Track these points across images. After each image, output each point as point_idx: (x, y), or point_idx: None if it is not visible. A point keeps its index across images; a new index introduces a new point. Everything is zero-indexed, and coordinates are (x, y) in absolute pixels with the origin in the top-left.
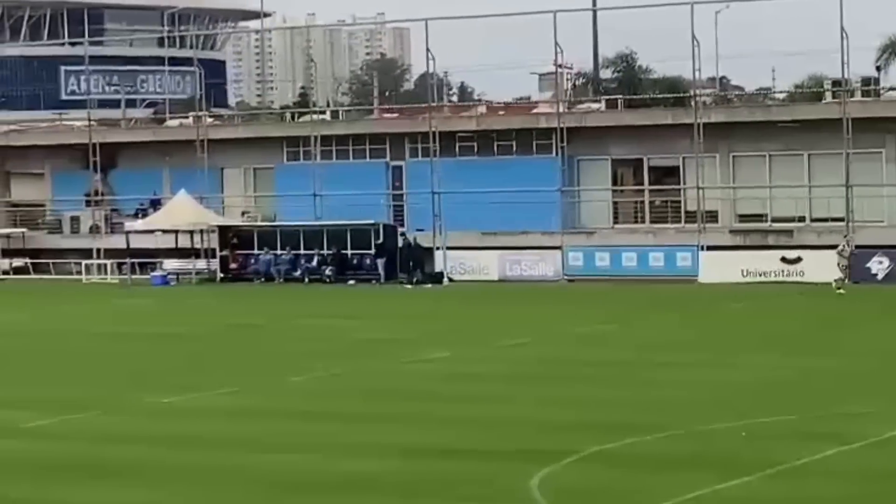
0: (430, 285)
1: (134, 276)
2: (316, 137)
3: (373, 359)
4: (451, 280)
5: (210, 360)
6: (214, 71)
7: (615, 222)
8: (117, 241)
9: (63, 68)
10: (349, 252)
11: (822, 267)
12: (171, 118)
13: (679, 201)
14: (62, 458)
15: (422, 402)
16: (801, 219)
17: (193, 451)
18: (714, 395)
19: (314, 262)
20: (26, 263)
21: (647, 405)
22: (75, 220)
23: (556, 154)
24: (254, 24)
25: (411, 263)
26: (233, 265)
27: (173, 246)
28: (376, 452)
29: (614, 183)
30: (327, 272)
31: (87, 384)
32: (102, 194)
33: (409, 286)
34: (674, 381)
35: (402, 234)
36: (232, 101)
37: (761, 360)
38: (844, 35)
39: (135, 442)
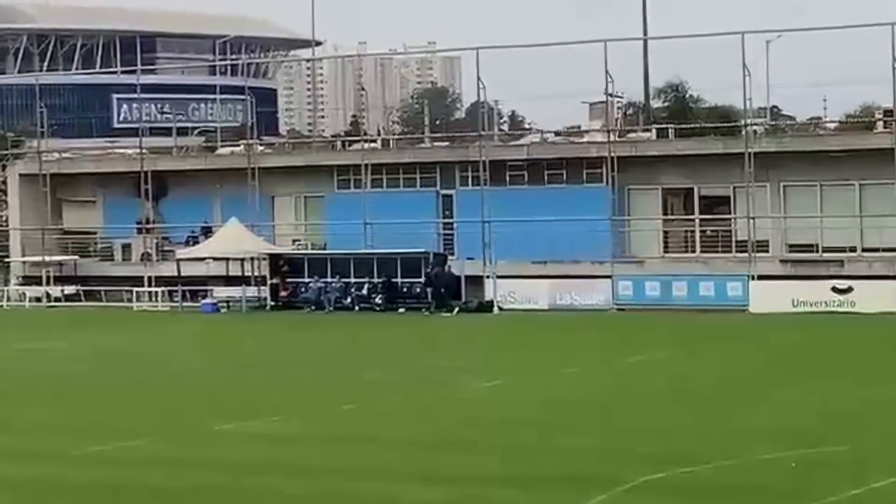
0: (452, 314)
1: (185, 304)
2: (366, 166)
3: (426, 385)
4: (500, 309)
5: (264, 387)
6: (266, 99)
7: (665, 251)
8: (168, 269)
9: (115, 96)
10: (399, 280)
11: (873, 297)
12: (222, 146)
13: (729, 231)
14: (122, 484)
15: (472, 429)
16: (853, 248)
17: (251, 478)
18: (768, 424)
19: (364, 291)
20: (78, 290)
21: (699, 435)
22: (126, 248)
23: (607, 183)
24: (305, 52)
25: (443, 291)
26: (283, 293)
27: (224, 274)
28: (420, 479)
29: (664, 212)
30: (377, 300)
31: (142, 410)
32: (154, 222)
33: (447, 314)
34: (726, 410)
35: (434, 262)
36: (283, 129)
37: (814, 391)
38: None
39: (192, 468)
